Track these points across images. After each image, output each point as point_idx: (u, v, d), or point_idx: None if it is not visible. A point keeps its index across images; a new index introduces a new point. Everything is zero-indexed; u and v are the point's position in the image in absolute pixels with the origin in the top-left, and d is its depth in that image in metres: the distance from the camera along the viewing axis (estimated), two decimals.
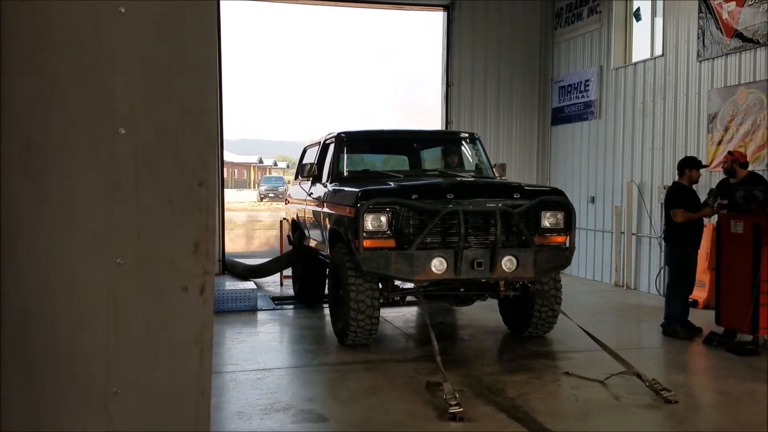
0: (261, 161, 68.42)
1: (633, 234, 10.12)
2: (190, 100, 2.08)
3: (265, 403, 4.91)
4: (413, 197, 5.96)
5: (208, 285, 2.10)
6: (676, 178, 7.36)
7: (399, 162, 8.35)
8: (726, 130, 8.34)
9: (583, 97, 11.39)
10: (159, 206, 2.04)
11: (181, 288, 2.07)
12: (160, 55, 2.03)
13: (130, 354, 2.03)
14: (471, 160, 7.96)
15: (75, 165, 1.96)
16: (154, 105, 2.03)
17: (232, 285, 8.84)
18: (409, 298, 6.90)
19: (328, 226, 6.97)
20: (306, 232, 8.54)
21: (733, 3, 8.21)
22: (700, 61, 8.77)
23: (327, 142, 7.99)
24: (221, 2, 10.89)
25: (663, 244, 7.46)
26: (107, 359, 2.01)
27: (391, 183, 6.44)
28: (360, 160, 7.92)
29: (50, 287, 1.98)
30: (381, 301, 6.36)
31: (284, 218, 10.31)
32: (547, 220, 6.31)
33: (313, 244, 8.19)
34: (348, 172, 7.38)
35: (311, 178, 8.00)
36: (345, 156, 7.50)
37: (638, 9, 10.52)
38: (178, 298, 2.07)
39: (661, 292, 9.06)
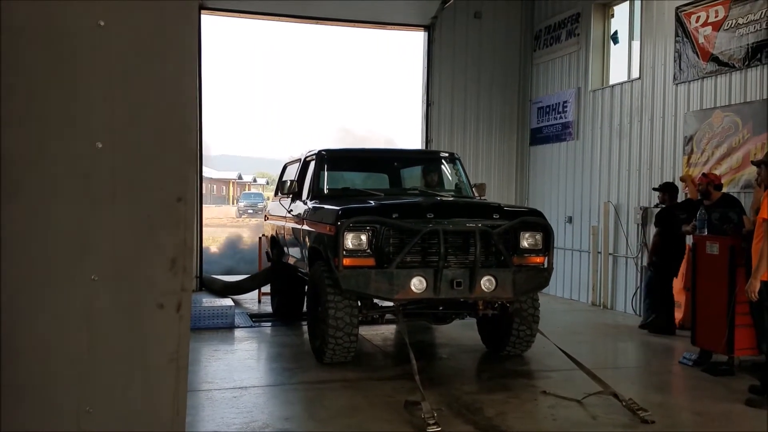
0: (240, 177, 68.09)
1: (610, 254, 10.20)
2: (170, 115, 2.06)
3: (241, 422, 4.85)
4: (393, 216, 5.96)
5: (184, 302, 2.07)
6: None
7: (379, 180, 8.35)
8: (702, 152, 8.46)
9: (561, 118, 11.50)
10: (136, 221, 2.01)
11: (157, 305, 2.04)
12: (139, 69, 2.01)
13: (104, 372, 2.00)
14: (451, 180, 7.99)
15: (50, 178, 1.93)
16: (133, 119, 2.01)
17: (209, 302, 8.75)
18: (388, 316, 6.87)
19: (308, 243, 6.94)
20: (285, 249, 8.50)
21: (710, 27, 8.36)
22: (677, 84, 8.91)
23: (308, 159, 7.97)
24: (202, 16, 10.91)
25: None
26: (80, 377, 1.97)
27: (371, 201, 6.44)
28: (340, 177, 7.91)
29: (23, 303, 1.94)
30: (360, 319, 6.33)
31: (263, 234, 10.26)
32: (526, 241, 6.33)
33: (292, 261, 8.14)
34: (328, 189, 7.37)
35: (291, 195, 7.97)
36: (325, 174, 7.49)
37: (616, 32, 10.68)
38: (154, 315, 2.04)
39: (638, 312, 9.12)
